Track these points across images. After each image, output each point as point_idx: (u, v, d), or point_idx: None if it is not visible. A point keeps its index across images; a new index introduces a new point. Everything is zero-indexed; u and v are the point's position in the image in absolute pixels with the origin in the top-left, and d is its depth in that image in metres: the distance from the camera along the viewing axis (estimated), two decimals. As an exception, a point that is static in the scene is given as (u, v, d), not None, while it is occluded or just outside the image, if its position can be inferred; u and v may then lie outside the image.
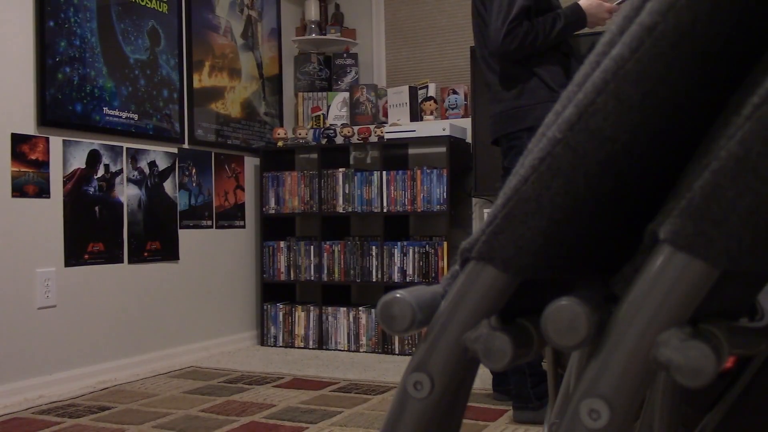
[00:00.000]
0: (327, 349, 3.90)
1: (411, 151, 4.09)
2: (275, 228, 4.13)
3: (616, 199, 0.46)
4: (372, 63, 4.48)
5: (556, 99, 2.57)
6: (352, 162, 4.21)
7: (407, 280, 3.75)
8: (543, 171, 0.45)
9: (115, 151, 3.25)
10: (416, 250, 3.73)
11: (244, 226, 4.06)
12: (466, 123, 3.88)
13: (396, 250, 3.77)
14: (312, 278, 3.97)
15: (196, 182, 3.72)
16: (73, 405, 2.70)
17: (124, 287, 3.28)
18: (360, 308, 3.86)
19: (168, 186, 3.54)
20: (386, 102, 4.22)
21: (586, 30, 2.50)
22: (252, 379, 3.13)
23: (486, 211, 3.82)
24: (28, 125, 2.88)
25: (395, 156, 3.97)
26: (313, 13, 4.47)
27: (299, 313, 3.98)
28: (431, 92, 4.13)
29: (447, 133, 3.69)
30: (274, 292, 4.11)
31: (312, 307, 3.95)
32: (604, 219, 0.48)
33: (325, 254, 3.93)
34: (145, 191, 3.40)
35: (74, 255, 3.04)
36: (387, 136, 3.87)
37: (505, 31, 2.23)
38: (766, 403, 0.75)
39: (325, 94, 4.42)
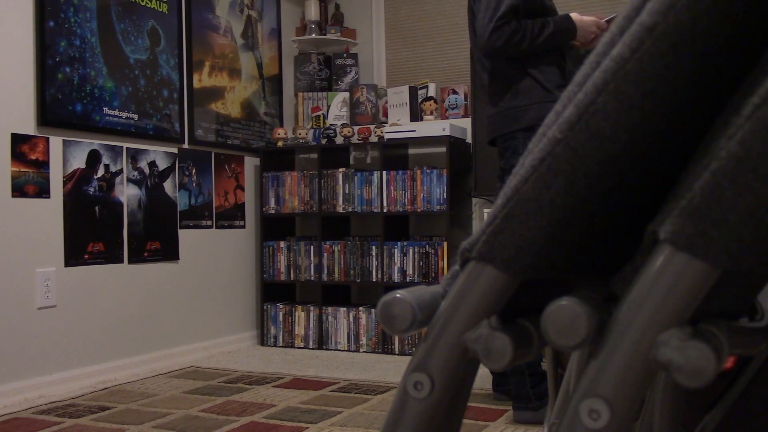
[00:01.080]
0: (327, 349, 3.90)
1: (411, 151, 4.09)
2: (275, 228, 4.13)
3: (617, 199, 0.46)
4: (372, 63, 4.48)
5: (551, 99, 2.54)
6: (352, 162, 4.21)
7: (407, 280, 3.75)
8: (543, 171, 0.45)
9: (115, 151, 3.25)
10: (416, 250, 3.73)
11: (244, 226, 4.06)
12: (466, 123, 3.88)
13: (396, 250, 3.77)
14: (312, 278, 3.97)
15: (196, 182, 3.72)
16: (73, 405, 2.70)
17: (124, 287, 3.28)
18: (360, 308, 3.86)
19: (168, 186, 3.54)
20: (386, 102, 4.22)
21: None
22: (252, 379, 3.13)
23: (486, 211, 3.82)
24: (28, 125, 2.88)
25: (395, 156, 3.97)
26: (313, 13, 4.47)
27: (299, 313, 3.98)
28: (431, 92, 4.13)
29: (447, 133, 3.69)
30: (274, 292, 4.11)
31: (312, 307, 3.95)
32: (604, 219, 0.48)
33: (325, 254, 3.93)
34: (145, 191, 3.40)
35: (74, 255, 3.04)
36: (387, 136, 3.87)
37: (492, 28, 2.23)
38: (766, 403, 0.75)
39: (325, 94, 4.42)
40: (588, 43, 2.42)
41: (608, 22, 2.42)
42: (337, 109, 4.36)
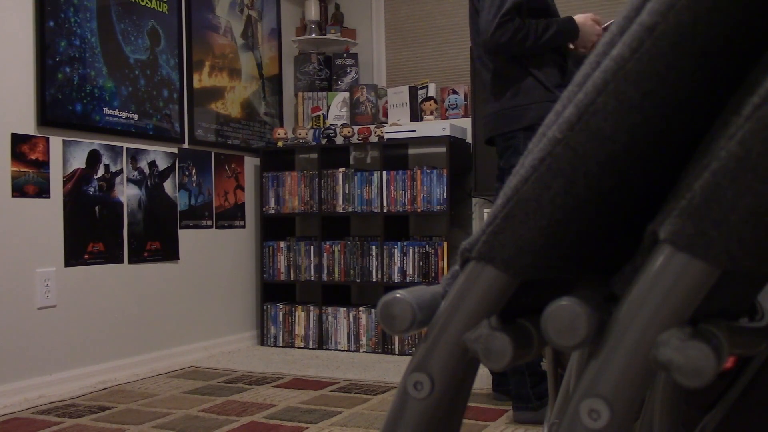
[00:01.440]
0: (327, 349, 3.90)
1: (411, 151, 4.09)
2: (275, 228, 4.13)
3: (617, 199, 0.46)
4: (372, 63, 4.48)
5: (551, 99, 2.54)
6: (352, 162, 4.21)
7: (407, 280, 3.75)
8: (543, 171, 0.45)
9: (115, 151, 3.25)
10: (416, 250, 3.72)
11: (244, 226, 4.06)
12: (466, 123, 3.88)
13: (396, 250, 3.77)
14: (312, 278, 3.97)
15: (196, 182, 3.72)
16: (73, 405, 2.70)
17: (124, 287, 3.28)
18: (360, 308, 3.86)
19: (168, 186, 3.54)
20: (386, 102, 4.22)
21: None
22: (252, 379, 3.13)
23: (486, 211, 3.82)
24: (28, 125, 2.88)
25: (395, 156, 3.97)
26: (313, 13, 4.47)
27: (299, 313, 3.98)
28: (431, 92, 4.13)
29: (447, 133, 3.69)
30: (274, 292, 4.11)
31: (312, 307, 3.95)
32: (605, 219, 0.48)
33: (325, 254, 3.93)
34: (145, 191, 3.40)
35: (74, 255, 3.04)
36: (387, 136, 3.87)
37: (496, 24, 2.23)
38: (766, 403, 0.75)
39: (325, 94, 4.42)
40: (587, 49, 2.42)
41: (605, 29, 2.43)
42: (337, 109, 4.36)
